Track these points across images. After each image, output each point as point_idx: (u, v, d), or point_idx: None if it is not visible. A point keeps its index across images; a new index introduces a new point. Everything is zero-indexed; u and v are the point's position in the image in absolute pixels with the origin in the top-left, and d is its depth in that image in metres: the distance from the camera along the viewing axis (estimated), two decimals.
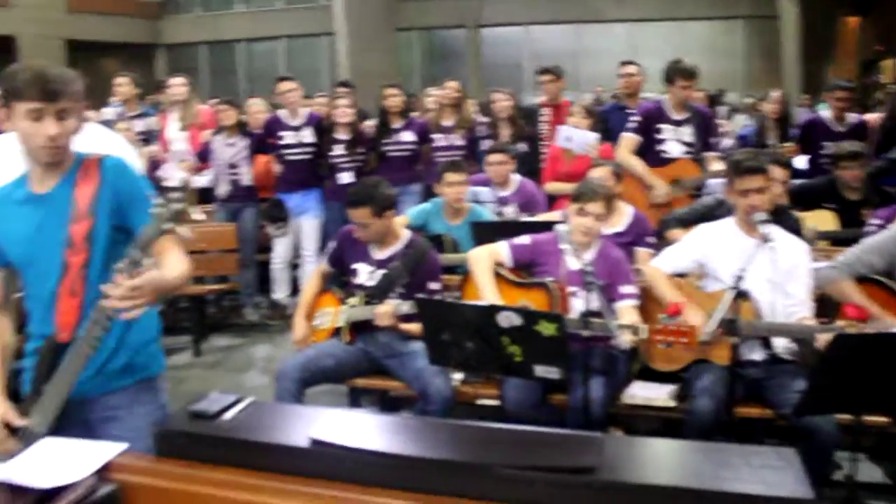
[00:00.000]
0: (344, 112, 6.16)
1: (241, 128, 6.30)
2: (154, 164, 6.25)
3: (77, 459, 1.89)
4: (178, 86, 6.82)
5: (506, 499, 1.65)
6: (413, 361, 3.60)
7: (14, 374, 2.36)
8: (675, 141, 5.22)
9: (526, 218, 4.90)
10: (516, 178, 5.26)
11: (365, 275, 3.80)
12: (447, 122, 6.50)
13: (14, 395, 2.30)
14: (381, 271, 3.77)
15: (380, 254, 3.82)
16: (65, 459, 1.89)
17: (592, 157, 5.21)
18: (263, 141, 6.37)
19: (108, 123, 6.28)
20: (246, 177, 6.27)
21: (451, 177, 4.62)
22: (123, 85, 6.74)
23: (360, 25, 15.14)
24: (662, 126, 5.23)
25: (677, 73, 5.16)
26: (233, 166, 6.24)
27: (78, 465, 1.85)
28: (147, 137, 6.50)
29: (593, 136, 5.46)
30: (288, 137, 6.26)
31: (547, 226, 3.88)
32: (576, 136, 5.45)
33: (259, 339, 6.09)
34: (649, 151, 5.25)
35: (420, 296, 3.42)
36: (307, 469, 1.79)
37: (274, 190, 6.47)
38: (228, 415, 1.98)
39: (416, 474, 1.72)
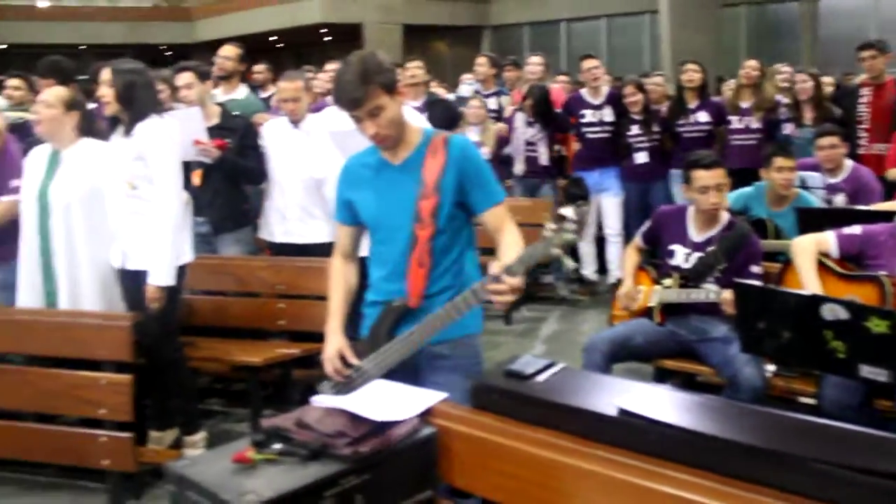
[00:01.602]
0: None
1: (543, 112, 6.34)
2: (503, 141, 6.50)
3: (404, 401, 2.13)
4: (534, 65, 7.02)
5: (813, 495, 1.59)
6: (724, 347, 3.51)
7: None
8: None
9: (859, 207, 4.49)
10: (849, 164, 4.84)
11: (681, 256, 3.75)
12: (745, 103, 6.15)
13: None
14: (698, 254, 3.70)
15: (698, 236, 3.74)
16: (394, 399, 2.13)
17: None
18: (565, 119, 6.44)
19: (461, 100, 6.75)
20: (543, 156, 6.34)
21: (780, 161, 4.38)
22: (483, 65, 7.08)
23: (684, 1, 14.66)
24: None
25: None
26: (530, 144, 6.33)
27: (405, 406, 2.08)
28: (498, 115, 6.80)
29: None
30: (588, 116, 6.29)
31: (884, 216, 3.55)
32: None
33: (567, 314, 6.23)
34: None
35: (739, 280, 3.31)
36: (612, 437, 1.85)
37: (572, 168, 6.53)
38: (541, 377, 2.10)
39: (721, 456, 1.71)
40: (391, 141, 2.41)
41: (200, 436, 3.73)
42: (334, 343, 2.53)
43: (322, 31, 20.61)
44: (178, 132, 3.66)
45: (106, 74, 3.50)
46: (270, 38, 20.84)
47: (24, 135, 4.24)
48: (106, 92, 3.49)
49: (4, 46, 20.98)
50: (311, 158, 4.30)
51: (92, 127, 3.72)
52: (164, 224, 3.44)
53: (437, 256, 2.43)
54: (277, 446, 1.89)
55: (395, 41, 18.68)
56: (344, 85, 2.31)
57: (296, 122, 4.39)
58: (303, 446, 1.89)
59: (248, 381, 4.04)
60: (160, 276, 3.43)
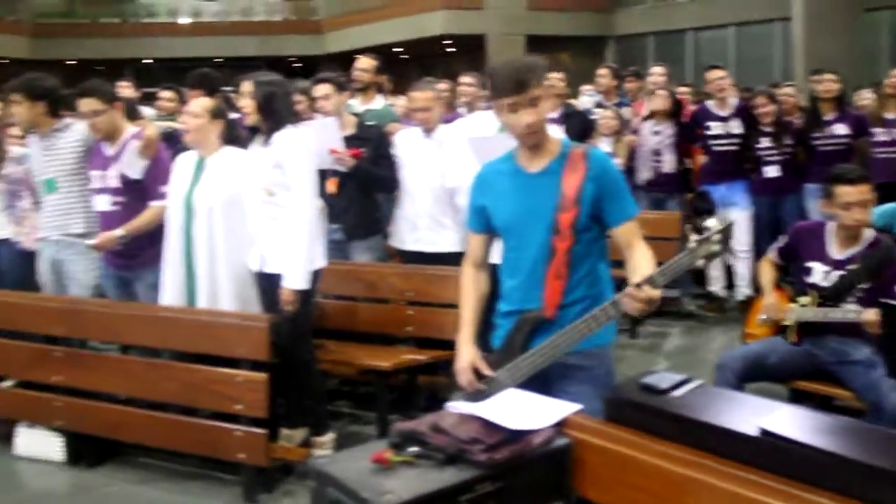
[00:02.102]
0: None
1: (673, 115, 6.24)
2: (633, 153, 6.45)
3: (539, 411, 2.13)
4: (657, 75, 6.91)
5: None
6: (867, 371, 3.35)
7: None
8: None
9: None
10: None
11: (819, 274, 3.61)
12: (890, 114, 5.82)
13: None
14: (839, 272, 3.54)
15: (839, 253, 3.59)
16: (528, 409, 2.14)
17: None
18: (692, 130, 6.29)
19: (586, 111, 6.73)
20: (668, 164, 6.19)
21: None
22: (605, 75, 7.06)
23: (823, 7, 14.05)
24: None
25: None
26: (656, 153, 6.21)
27: (540, 416, 2.09)
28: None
29: None
30: (715, 128, 6.11)
31: None
32: None
33: (692, 329, 6.09)
34: None
35: (886, 300, 3.15)
36: (752, 458, 1.80)
37: (698, 181, 6.35)
38: (678, 392, 2.07)
39: (869, 484, 1.64)
40: (538, 138, 2.44)
41: (329, 437, 3.84)
42: (467, 354, 2.56)
43: (445, 42, 20.88)
44: (314, 141, 3.79)
45: (247, 86, 3.67)
46: (395, 50, 21.26)
47: (173, 143, 4.49)
48: (247, 103, 3.65)
49: (150, 61, 22.28)
50: (442, 168, 4.37)
51: (234, 135, 3.91)
52: (299, 230, 3.56)
53: (573, 268, 2.44)
54: (414, 449, 1.94)
55: (517, 52, 18.72)
56: (510, 71, 2.36)
57: (428, 131, 4.46)
58: (439, 450, 1.92)
59: (376, 386, 4.13)
60: (295, 280, 3.55)
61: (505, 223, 2.53)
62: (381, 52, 6.36)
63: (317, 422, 3.84)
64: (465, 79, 6.22)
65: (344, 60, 22.88)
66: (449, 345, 4.09)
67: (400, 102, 7.53)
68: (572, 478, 2.04)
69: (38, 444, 4.04)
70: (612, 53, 20.78)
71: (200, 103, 3.88)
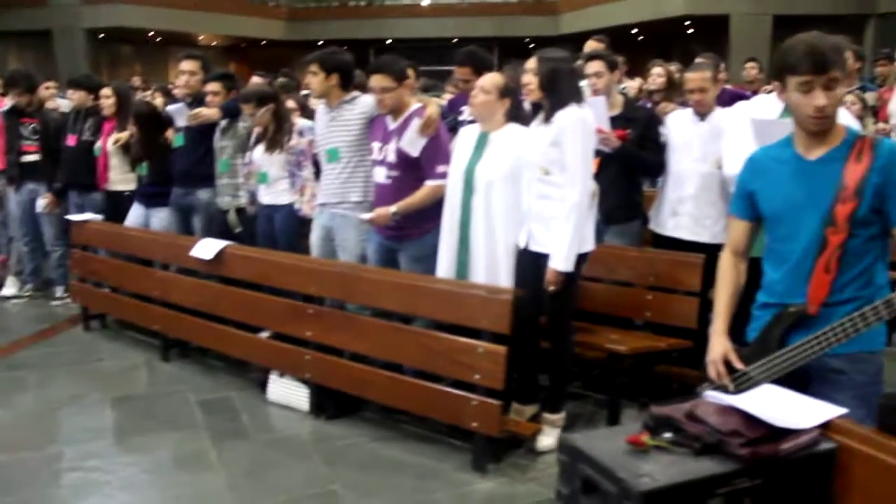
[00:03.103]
0: None
1: None
2: None
3: (802, 410, 2.01)
4: None
5: None
6: None
7: None
8: None
9: None
10: None
11: None
12: None
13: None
14: None
15: None
16: (791, 407, 2.02)
17: None
18: None
19: None
20: None
21: None
22: (847, 58, 6.55)
23: None
24: None
25: None
26: None
27: (805, 415, 1.97)
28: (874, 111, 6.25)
29: None
30: None
31: None
32: None
33: None
34: None
35: None
36: None
37: None
38: None
39: None
40: (827, 124, 2.27)
41: (561, 416, 3.85)
42: (719, 346, 2.46)
43: (686, 23, 20.11)
44: (594, 122, 3.72)
45: (531, 63, 3.67)
46: (632, 32, 20.79)
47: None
48: (530, 80, 3.66)
49: (390, 41, 23.32)
50: (713, 153, 4.17)
51: (518, 113, 3.93)
52: (570, 211, 3.53)
53: (845, 264, 2.27)
54: (668, 435, 1.90)
55: (764, 34, 17.63)
56: (809, 47, 2.21)
57: (701, 114, 4.29)
58: (695, 439, 1.87)
59: (609, 369, 4.09)
60: (561, 261, 3.54)
61: (774, 211, 2.39)
62: (616, 33, 6.25)
63: (553, 399, 3.86)
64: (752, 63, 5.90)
65: (578, 41, 22.71)
66: (687, 333, 4.01)
67: (633, 85, 7.39)
68: (834, 485, 1.91)
69: (286, 392, 4.40)
70: (872, 33, 19.03)
71: (491, 79, 3.90)
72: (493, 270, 3.84)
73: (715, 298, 2.58)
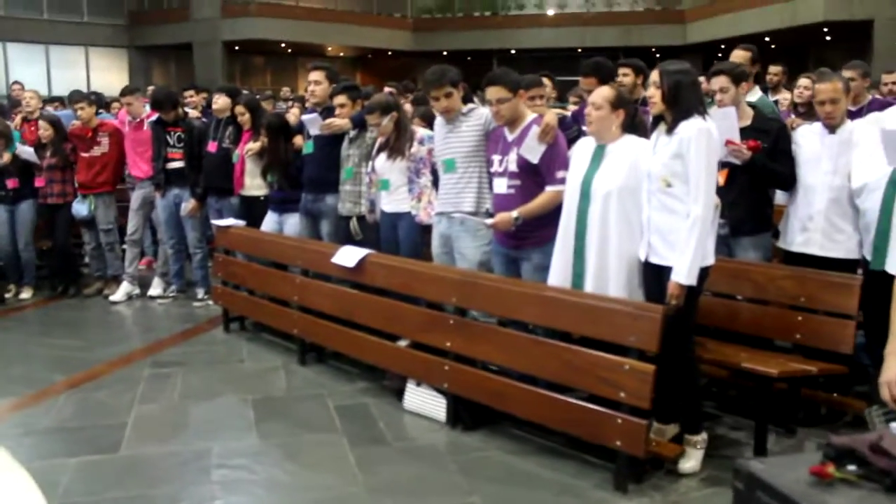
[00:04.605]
0: None
1: None
2: None
3: None
4: None
5: None
6: None
7: None
8: None
9: None
10: None
11: None
12: None
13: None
14: None
15: None
16: None
17: None
18: None
19: None
20: None
21: None
22: None
23: None
24: None
25: None
26: None
27: None
28: None
29: None
30: None
31: None
32: None
33: None
34: None
35: None
36: None
37: None
38: None
39: None
40: None
41: (702, 437, 3.73)
42: (895, 366, 2.33)
43: (824, 30, 19.28)
44: (718, 134, 3.66)
45: (654, 75, 3.65)
46: (765, 40, 20.10)
47: (563, 128, 4.61)
48: (653, 92, 3.63)
49: (514, 51, 23.36)
50: (844, 166, 4.06)
51: (635, 123, 3.91)
52: (694, 224, 3.47)
53: None
54: (854, 468, 1.79)
55: None
56: None
57: (832, 127, 4.14)
58: (885, 474, 1.75)
59: (756, 391, 3.91)
60: (684, 275, 3.47)
61: None
62: (746, 42, 6.03)
63: (691, 420, 3.75)
64: (848, 72, 5.61)
65: (706, 51, 22.22)
66: (841, 358, 3.81)
67: (784, 98, 7.08)
68: None
69: (423, 401, 4.43)
70: None
71: (601, 94, 3.91)
72: (603, 280, 3.80)
73: (892, 317, 2.43)
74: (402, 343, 4.64)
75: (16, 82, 11.51)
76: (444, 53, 25.47)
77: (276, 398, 4.81)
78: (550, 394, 3.80)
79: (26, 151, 7.17)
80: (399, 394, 4.59)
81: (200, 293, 7.05)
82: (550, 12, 24.20)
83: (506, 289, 4.05)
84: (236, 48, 23.15)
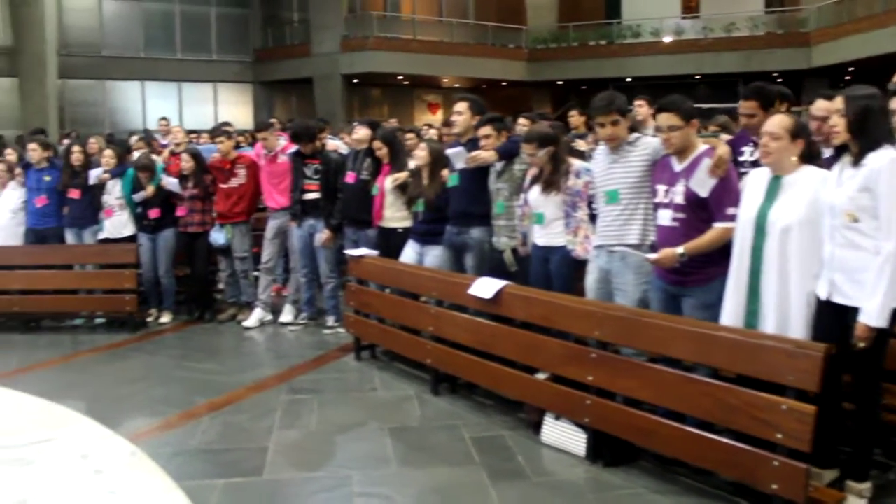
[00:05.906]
0: None
1: None
2: None
3: None
4: None
5: None
6: None
7: None
8: None
9: None
10: None
11: None
12: None
13: None
14: None
15: None
16: None
17: None
18: None
19: None
20: None
21: None
22: None
23: None
24: None
25: None
26: None
27: None
28: None
29: None
30: None
31: None
32: None
33: None
34: None
35: None
36: None
37: None
38: None
39: None
40: None
41: (868, 485, 3.53)
42: None
43: None
44: None
45: (838, 102, 3.48)
46: None
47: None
48: (836, 121, 3.47)
49: (630, 79, 23.10)
50: None
51: (813, 152, 3.73)
52: (886, 262, 3.28)
53: None
54: None
55: None
56: None
57: None
58: None
59: None
60: (874, 316, 3.30)
61: None
62: (876, 64, 5.72)
63: (858, 466, 3.55)
64: None
65: (832, 75, 21.33)
66: None
67: None
68: None
69: (562, 435, 4.37)
70: None
71: (779, 123, 3.72)
72: (785, 320, 3.62)
73: None
74: (541, 376, 4.60)
75: (163, 118, 12.22)
76: (559, 83, 25.50)
77: (411, 427, 4.84)
78: (702, 433, 3.67)
79: (171, 182, 7.54)
80: (536, 427, 4.54)
81: (330, 321, 7.20)
82: (667, 39, 23.84)
83: (649, 322, 3.94)
84: (355, 81, 23.78)
